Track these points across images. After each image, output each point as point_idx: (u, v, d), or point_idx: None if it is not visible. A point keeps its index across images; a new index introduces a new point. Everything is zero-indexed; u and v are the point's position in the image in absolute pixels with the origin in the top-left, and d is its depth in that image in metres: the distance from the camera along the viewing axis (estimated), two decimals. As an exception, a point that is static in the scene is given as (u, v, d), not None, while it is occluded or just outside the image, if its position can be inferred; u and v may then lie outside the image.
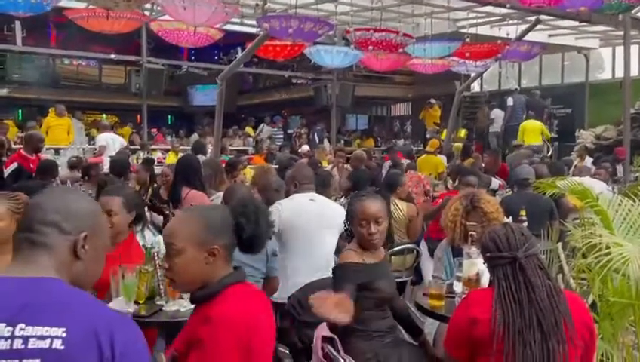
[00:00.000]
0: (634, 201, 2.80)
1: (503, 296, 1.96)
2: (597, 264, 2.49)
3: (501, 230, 2.07)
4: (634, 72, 12.16)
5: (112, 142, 9.74)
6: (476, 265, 2.63)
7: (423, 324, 3.35)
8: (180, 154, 8.08)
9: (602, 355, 2.56)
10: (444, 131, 12.91)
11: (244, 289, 1.77)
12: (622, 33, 10.32)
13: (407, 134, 17.61)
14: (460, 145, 12.47)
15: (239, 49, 15.00)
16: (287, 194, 4.02)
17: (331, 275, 2.66)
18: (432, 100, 14.34)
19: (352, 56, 9.08)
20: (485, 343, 1.94)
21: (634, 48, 12.13)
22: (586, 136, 12.50)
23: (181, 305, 2.63)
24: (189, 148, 9.67)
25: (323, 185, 4.49)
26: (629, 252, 2.45)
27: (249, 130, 14.73)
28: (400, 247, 4.72)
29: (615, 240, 2.56)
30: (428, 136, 13.40)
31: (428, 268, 4.29)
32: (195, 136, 12.81)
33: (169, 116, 21.07)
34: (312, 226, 3.67)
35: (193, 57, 17.67)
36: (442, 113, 14.18)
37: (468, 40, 9.06)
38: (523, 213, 4.52)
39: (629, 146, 9.86)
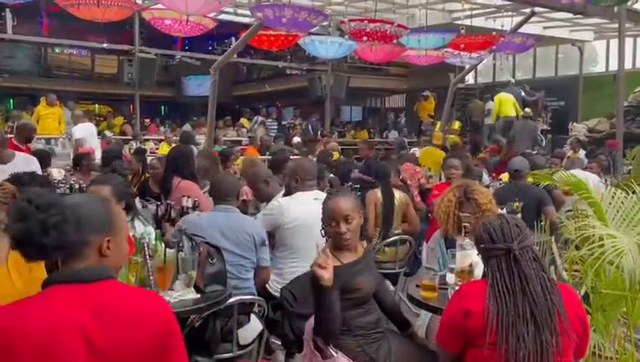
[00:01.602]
0: (627, 193, 2.79)
1: (497, 288, 1.95)
2: (590, 256, 2.48)
3: (496, 221, 2.05)
4: (628, 65, 12.18)
5: (89, 132, 9.62)
6: (469, 257, 2.61)
7: (418, 316, 3.34)
8: (173, 145, 8.02)
9: (595, 347, 2.56)
10: (439, 123, 12.92)
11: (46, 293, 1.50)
12: (616, 26, 10.32)
13: (401, 126, 17.60)
14: (453, 137, 12.47)
15: (233, 39, 14.90)
16: (287, 189, 3.87)
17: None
18: (427, 92, 14.32)
19: (346, 47, 9.04)
20: (478, 335, 1.93)
21: (628, 41, 12.15)
22: (578, 129, 12.53)
23: (171, 296, 2.61)
24: (182, 138, 9.57)
25: (317, 178, 4.45)
26: (623, 244, 2.43)
27: (244, 121, 14.68)
28: (393, 238, 4.72)
29: (609, 232, 2.54)
30: (423, 128, 13.40)
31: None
32: (187, 127, 12.73)
33: (162, 106, 20.95)
34: (313, 226, 3.57)
35: (187, 47, 17.53)
36: (436, 105, 14.17)
37: (463, 31, 9.03)
38: (517, 204, 4.51)
39: (622, 139, 9.90)
